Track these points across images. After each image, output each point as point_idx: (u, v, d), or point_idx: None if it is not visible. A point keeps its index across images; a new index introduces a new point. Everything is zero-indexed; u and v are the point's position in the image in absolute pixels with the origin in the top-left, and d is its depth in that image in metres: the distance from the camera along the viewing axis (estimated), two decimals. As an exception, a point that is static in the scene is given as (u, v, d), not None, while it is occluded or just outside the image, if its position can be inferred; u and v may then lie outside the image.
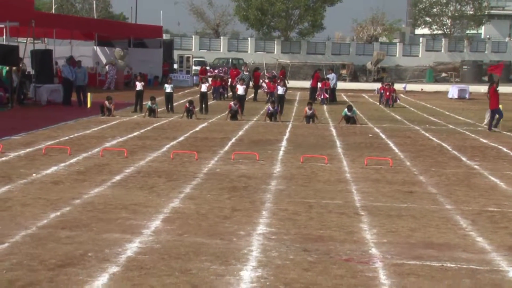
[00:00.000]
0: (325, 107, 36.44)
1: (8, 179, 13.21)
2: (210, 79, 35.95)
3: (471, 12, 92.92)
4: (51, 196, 11.88)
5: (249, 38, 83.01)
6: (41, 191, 12.33)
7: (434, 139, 22.62)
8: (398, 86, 48.29)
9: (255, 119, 28.24)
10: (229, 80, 40.34)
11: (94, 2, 69.00)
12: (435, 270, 8.31)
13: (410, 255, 8.92)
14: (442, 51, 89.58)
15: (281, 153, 18.19)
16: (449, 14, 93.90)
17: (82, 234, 9.44)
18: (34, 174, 13.82)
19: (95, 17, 63.01)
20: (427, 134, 24.06)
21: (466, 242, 9.69)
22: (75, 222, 10.16)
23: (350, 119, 26.74)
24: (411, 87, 59.99)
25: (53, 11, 57.03)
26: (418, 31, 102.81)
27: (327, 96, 38.59)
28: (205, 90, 30.69)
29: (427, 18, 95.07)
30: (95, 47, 53.05)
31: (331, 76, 41.13)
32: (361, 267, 8.35)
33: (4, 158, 15.69)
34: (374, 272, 8.16)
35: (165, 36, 65.44)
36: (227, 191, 12.79)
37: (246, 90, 33.05)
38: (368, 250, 9.13)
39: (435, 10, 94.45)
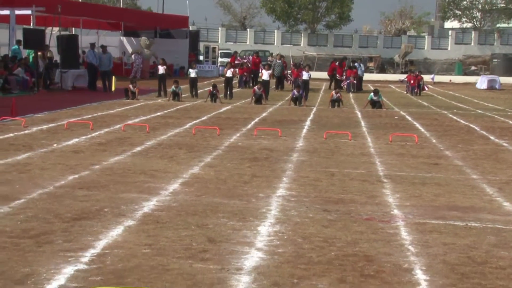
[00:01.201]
0: (351, 95, 36.10)
1: (29, 148, 13.20)
2: (237, 69, 35.93)
3: (502, 5, 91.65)
4: (71, 162, 11.82)
5: (275, 31, 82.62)
6: (61, 158, 12.28)
7: (461, 121, 22.29)
8: (426, 77, 47.63)
9: (279, 103, 28.03)
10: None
11: (121, -2, 69.05)
12: (459, 228, 8.08)
13: (433, 216, 8.70)
14: (472, 44, 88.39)
15: (304, 131, 18.00)
16: (480, 7, 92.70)
17: (99, 194, 9.36)
18: (55, 144, 13.79)
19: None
20: (454, 117, 23.71)
21: (492, 206, 9.45)
22: (93, 183, 10.09)
23: (376, 104, 26.43)
24: (439, 78, 59.22)
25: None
26: (447, 24, 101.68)
27: (355, 82, 38.32)
28: (230, 76, 30.52)
29: (457, 11, 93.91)
30: (121, 37, 53.06)
31: (358, 65, 40.95)
32: (382, 225, 8.15)
33: (26, 131, 15.70)
34: (396, 230, 7.96)
35: (191, 28, 65.30)
36: (248, 161, 12.64)
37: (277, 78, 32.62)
38: (390, 211, 8.92)
39: (465, 2, 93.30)
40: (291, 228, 7.83)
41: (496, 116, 24.57)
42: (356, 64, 41.19)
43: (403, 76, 49.89)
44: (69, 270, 6.08)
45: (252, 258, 6.66)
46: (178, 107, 24.52)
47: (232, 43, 78.20)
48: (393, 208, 9.09)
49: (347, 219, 8.34)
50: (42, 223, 7.68)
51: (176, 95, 27.06)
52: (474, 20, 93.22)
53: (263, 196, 9.57)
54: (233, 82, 32.81)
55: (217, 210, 8.58)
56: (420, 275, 6.30)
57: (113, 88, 30.60)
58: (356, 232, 7.76)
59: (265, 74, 30.23)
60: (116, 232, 7.43)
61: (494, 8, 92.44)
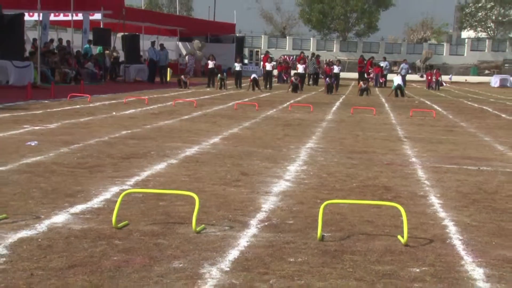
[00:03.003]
0: (377, 89, 35.51)
1: (91, 114, 13.14)
2: (276, 63, 35.54)
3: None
4: (125, 123, 11.69)
5: (311, 38, 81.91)
6: (118, 121, 12.17)
7: (475, 104, 21.74)
8: (444, 77, 46.75)
9: (313, 92, 27.63)
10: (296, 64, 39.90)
11: (178, 5, 69.30)
12: (472, 171, 7.69)
13: (448, 162, 8.31)
14: (486, 51, 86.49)
15: (334, 108, 17.67)
16: (493, 18, 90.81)
17: (147, 143, 9.16)
18: (114, 113, 13.71)
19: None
20: (469, 103, 23.13)
21: (502, 157, 9.02)
22: (143, 136, 9.93)
23: (399, 92, 25.80)
24: (456, 78, 58.27)
25: (143, 7, 57.44)
26: (464, 34, 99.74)
27: (385, 79, 37.80)
28: (270, 69, 30.22)
29: (473, 22, 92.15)
30: (177, 42, 53.22)
31: (384, 64, 40.29)
32: (401, 167, 7.79)
33: (91, 105, 15.67)
34: (413, 170, 7.60)
35: (237, 34, 65.13)
36: (282, 126, 12.35)
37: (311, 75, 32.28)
38: (409, 159, 8.55)
39: (480, 14, 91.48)
40: (317, 168, 7.53)
41: (507, 103, 23.83)
42: (381, 63, 40.45)
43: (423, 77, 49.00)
44: (114, 189, 5.89)
45: (280, 186, 6.39)
46: (224, 93, 24.34)
47: (273, 49, 77.67)
48: (411, 157, 8.72)
49: (369, 163, 7.99)
50: (96, 159, 7.52)
51: (222, 82, 26.82)
52: (488, 30, 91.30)
53: (294, 147, 9.27)
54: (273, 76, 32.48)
55: (251, 155, 8.32)
56: (434, 200, 5.96)
57: (168, 79, 30.60)
58: (376, 171, 7.43)
59: (300, 68, 29.98)
60: (159, 166, 7.22)
61: (506, 19, 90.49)
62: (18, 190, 5.72)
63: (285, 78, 39.11)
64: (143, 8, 53.37)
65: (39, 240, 4.26)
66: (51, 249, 4.06)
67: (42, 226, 4.59)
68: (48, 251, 4.01)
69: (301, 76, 28.88)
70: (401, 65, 40.18)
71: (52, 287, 3.39)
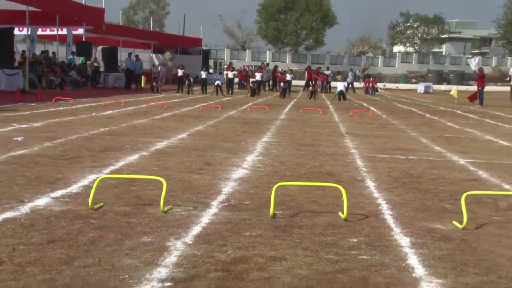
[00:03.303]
0: (323, 94, 35.63)
1: (73, 115, 12.83)
2: (236, 72, 35.37)
3: (435, 35, 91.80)
4: (104, 122, 11.46)
5: (267, 51, 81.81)
6: (97, 120, 11.91)
7: (404, 106, 22.01)
8: (379, 85, 47.33)
9: (269, 96, 27.60)
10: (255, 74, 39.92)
11: (151, 22, 68.51)
12: (401, 159, 7.77)
13: (382, 153, 8.38)
14: (413, 63, 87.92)
15: (286, 110, 17.64)
16: (419, 36, 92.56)
17: (122, 138, 8.99)
18: (93, 113, 13.42)
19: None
20: (399, 105, 23.42)
21: (426, 148, 9.13)
22: (119, 132, 9.74)
23: (341, 96, 25.98)
24: (388, 85, 59.04)
25: (121, 23, 56.55)
26: (395, 48, 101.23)
27: (329, 86, 38.15)
28: (232, 77, 30.11)
29: (403, 39, 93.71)
30: (151, 54, 52.59)
31: (328, 72, 40.72)
32: (342, 157, 7.82)
33: (73, 107, 15.30)
34: (353, 160, 7.63)
35: (204, 47, 64.73)
36: (241, 124, 12.28)
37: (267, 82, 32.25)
38: (349, 150, 8.58)
39: (408, 32, 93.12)
40: (271, 158, 7.50)
41: (430, 105, 24.22)
42: (325, 72, 40.74)
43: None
44: (92, 177, 5.75)
45: (239, 173, 6.34)
46: (191, 97, 24.12)
47: (235, 60, 77.15)
48: (351, 149, 8.76)
49: (315, 154, 8.00)
50: (76, 152, 7.34)
51: (190, 87, 26.61)
52: (415, 45, 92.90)
53: (251, 141, 9.23)
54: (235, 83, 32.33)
55: (214, 148, 8.25)
56: (369, 183, 5.99)
57: (142, 85, 30.22)
58: (322, 160, 7.44)
59: (257, 76, 29.83)
60: (133, 158, 7.10)
61: (429, 37, 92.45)
62: (5, 178, 5.55)
63: (244, 85, 39.07)
64: (121, 24, 52.46)
65: (22, 220, 4.13)
66: (33, 227, 3.94)
67: (25, 208, 4.46)
68: (29, 229, 3.89)
69: (258, 83, 28.82)
70: (349, 74, 40.65)
71: (32, 259, 3.29)
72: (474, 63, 50.01)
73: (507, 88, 38.02)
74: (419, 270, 3.37)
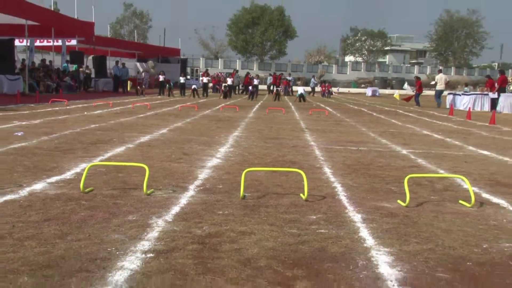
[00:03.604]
0: (286, 97, 35.73)
1: (67, 114, 12.53)
2: (210, 78, 35.15)
3: (380, 47, 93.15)
4: (95, 120, 11.22)
5: (237, 60, 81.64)
6: (88, 118, 11.66)
7: (355, 107, 22.15)
8: (334, 89, 47.84)
9: (239, 99, 27.50)
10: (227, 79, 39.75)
11: (136, 35, 67.62)
12: (353, 150, 7.79)
13: (337, 144, 8.41)
14: (362, 71, 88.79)
15: (254, 109, 17.56)
16: (366, 47, 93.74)
17: (111, 133, 8.82)
18: (85, 112, 13.14)
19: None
20: (351, 105, 23.57)
21: (374, 141, 9.19)
22: (107, 128, 9.55)
23: (301, 98, 26.08)
24: (341, 89, 59.70)
25: (109, 35, 55.62)
26: (347, 58, 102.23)
27: (291, 90, 38.27)
28: (206, 82, 29.88)
29: (353, 50, 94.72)
30: (136, 62, 51.83)
31: (290, 78, 40.86)
32: (303, 148, 7.81)
33: (67, 107, 14.96)
34: (312, 150, 7.63)
35: (182, 56, 64.13)
36: (215, 121, 12.18)
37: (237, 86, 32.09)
38: (309, 143, 8.58)
39: (357, 44, 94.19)
40: (241, 149, 7.45)
41: (376, 106, 24.49)
42: (288, 77, 40.83)
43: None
44: (83, 165, 5.60)
45: (213, 162, 6.27)
46: (171, 99, 23.84)
47: (209, 67, 76.74)
48: (310, 141, 8.76)
49: (279, 146, 7.98)
50: (69, 145, 7.16)
51: (170, 91, 26.34)
52: (363, 55, 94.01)
53: (223, 135, 9.15)
54: (209, 87, 32.11)
55: (191, 141, 8.15)
56: (327, 169, 5.99)
57: (128, 89, 29.78)
58: (285, 151, 7.42)
59: (229, 81, 29.68)
60: (119, 149, 6.95)
61: (375, 48, 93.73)
62: (6, 167, 5.37)
63: (218, 88, 38.83)
64: (109, 36, 51.63)
65: (21, 201, 4.00)
66: (30, 208, 3.81)
67: (24, 192, 4.32)
68: (27, 209, 3.77)
69: (229, 87, 28.68)
70: (311, 79, 40.83)
71: (30, 235, 3.18)
72: (405, 86, 51.40)
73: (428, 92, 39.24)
74: (369, 241, 3.38)
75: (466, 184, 4.87)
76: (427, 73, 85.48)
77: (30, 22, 21.46)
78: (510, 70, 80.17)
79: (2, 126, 9.19)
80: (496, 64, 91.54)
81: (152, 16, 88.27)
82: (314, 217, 3.92)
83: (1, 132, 8.41)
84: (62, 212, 3.73)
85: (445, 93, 26.06)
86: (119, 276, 2.65)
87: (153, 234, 3.34)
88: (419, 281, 2.75)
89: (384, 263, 2.98)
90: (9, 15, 19.64)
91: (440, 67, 44.67)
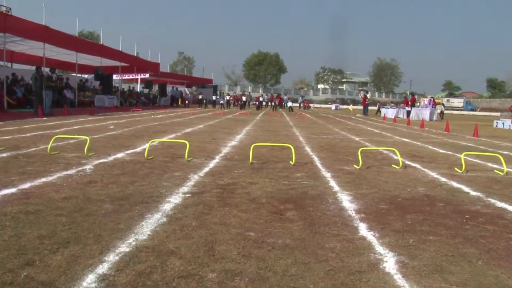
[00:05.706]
0: (280, 109, 35.44)
1: (141, 117, 12.35)
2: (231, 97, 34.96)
3: (339, 79, 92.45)
4: (157, 120, 11.03)
5: (249, 86, 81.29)
6: (153, 119, 11.47)
7: (324, 115, 21.89)
8: (311, 105, 47.48)
9: (250, 109, 27.26)
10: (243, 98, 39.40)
11: (184, 70, 67.19)
12: (325, 138, 7.59)
13: (313, 134, 8.23)
14: (329, 94, 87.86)
15: (260, 115, 17.33)
16: (331, 79, 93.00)
17: (167, 127, 8.66)
18: (152, 116, 13.00)
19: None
20: (324, 114, 23.26)
21: (338, 133, 8.95)
22: (165, 124, 9.39)
23: (290, 109, 25.75)
24: (316, 105, 59.07)
25: (168, 71, 55.35)
26: (319, 86, 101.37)
27: (285, 105, 37.91)
28: (229, 99, 29.73)
29: (322, 81, 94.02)
30: (185, 87, 51.79)
31: (285, 97, 40.52)
32: (291, 136, 7.64)
33: (141, 113, 14.81)
34: (297, 137, 7.45)
35: (213, 84, 63.97)
36: (234, 121, 11.93)
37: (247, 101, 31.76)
38: (295, 133, 8.40)
39: (325, 77, 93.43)
40: (250, 136, 7.32)
41: (338, 114, 24.12)
42: (283, 97, 40.37)
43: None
44: (148, 144, 5.46)
45: (231, 143, 6.14)
46: (206, 109, 23.63)
47: (231, 91, 76.78)
48: (297, 134, 8.56)
49: (276, 134, 7.83)
50: (140, 133, 7.01)
51: (206, 104, 26.15)
52: (329, 84, 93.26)
53: (239, 129, 8.99)
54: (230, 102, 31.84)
55: (218, 132, 8.01)
56: (307, 148, 5.83)
57: (179, 103, 29.61)
58: (279, 138, 7.26)
59: (243, 98, 29.48)
60: (171, 135, 6.79)
61: (336, 80, 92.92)
62: (101, 144, 5.29)
63: (236, 103, 38.55)
64: (168, 71, 51.37)
65: (108, 163, 3.90)
66: (114, 166, 3.73)
67: (110, 158, 4.22)
68: (112, 167, 3.67)
69: (244, 102, 28.44)
70: (299, 98, 40.49)
71: (112, 181, 3.09)
72: (333, 106, 49.02)
73: (372, 107, 38.62)
74: (335, 188, 3.24)
75: (396, 155, 4.72)
76: (368, 96, 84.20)
77: (122, 64, 21.61)
78: (416, 95, 79.15)
79: (103, 123, 9.11)
80: (408, 91, 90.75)
81: (195, 59, 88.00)
82: (299, 174, 3.78)
83: (101, 126, 8.34)
84: (132, 169, 3.63)
85: (380, 107, 25.72)
86: (167, 206, 2.53)
87: (190, 183, 3.23)
88: (368, 210, 2.61)
89: (346, 200, 2.85)
90: (109, 59, 19.95)
91: (366, 92, 43.26)
